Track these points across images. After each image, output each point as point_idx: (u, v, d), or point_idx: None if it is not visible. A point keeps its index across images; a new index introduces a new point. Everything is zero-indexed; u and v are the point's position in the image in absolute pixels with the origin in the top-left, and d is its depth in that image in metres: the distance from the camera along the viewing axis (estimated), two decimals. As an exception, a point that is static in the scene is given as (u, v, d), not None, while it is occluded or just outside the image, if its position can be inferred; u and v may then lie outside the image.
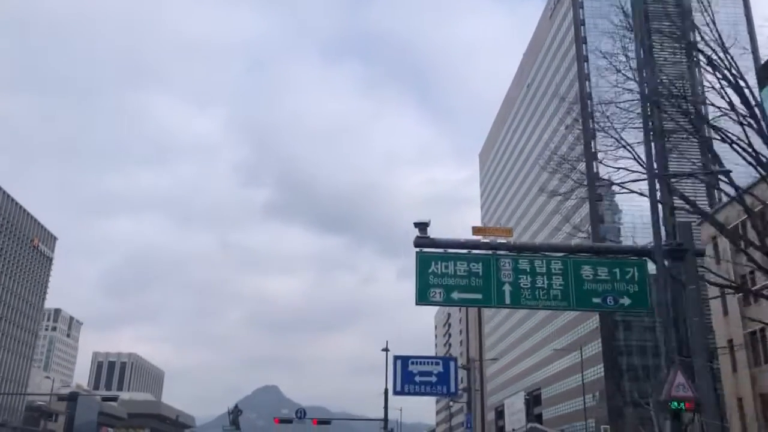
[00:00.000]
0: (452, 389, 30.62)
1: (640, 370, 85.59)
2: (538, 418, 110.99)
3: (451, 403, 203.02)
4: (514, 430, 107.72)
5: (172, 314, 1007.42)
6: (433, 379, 30.70)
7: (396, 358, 31.61)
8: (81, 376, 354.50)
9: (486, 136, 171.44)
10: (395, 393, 30.80)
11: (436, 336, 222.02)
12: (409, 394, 31.08)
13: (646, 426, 77.80)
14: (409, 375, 30.87)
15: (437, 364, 31.15)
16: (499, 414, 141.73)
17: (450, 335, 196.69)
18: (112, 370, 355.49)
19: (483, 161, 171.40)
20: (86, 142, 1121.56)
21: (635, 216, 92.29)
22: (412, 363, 31.26)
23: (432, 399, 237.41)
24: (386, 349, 46.68)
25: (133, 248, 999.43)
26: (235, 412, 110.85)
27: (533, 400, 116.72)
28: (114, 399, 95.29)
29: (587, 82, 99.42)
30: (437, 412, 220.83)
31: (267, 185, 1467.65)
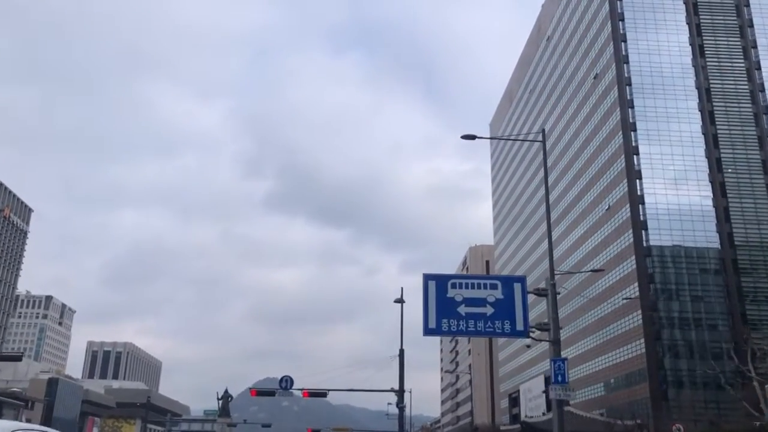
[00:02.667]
0: (519, 327, 19.08)
1: (688, 346, 74.31)
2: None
3: (456, 391, 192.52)
4: (544, 413, 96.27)
5: (174, 307, 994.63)
6: (488, 310, 19.19)
7: (428, 278, 20.13)
8: (76, 366, 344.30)
9: (497, 104, 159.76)
10: (427, 332, 19.34)
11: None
12: (449, 333, 19.54)
13: (700, 406, 66.50)
14: (448, 304, 19.35)
15: (494, 287, 19.58)
16: (514, 401, 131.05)
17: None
18: (107, 360, 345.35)
19: (494, 131, 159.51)
20: (89, 133, 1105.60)
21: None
22: (454, 286, 19.70)
23: (437, 388, 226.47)
24: (401, 300, 35.39)
25: (137, 240, 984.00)
26: (225, 399, 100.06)
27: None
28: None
29: (621, 23, 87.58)
30: (443, 402, 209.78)
31: (270, 177, 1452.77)
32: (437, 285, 19.68)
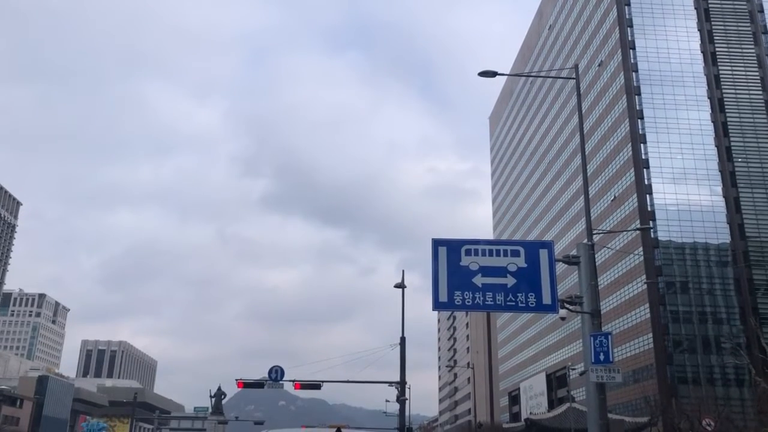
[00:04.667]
0: (546, 300, 16.19)
1: (697, 341, 71.60)
2: (562, 402, 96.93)
3: (455, 389, 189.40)
4: (548, 410, 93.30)
5: (171, 306, 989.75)
6: (509, 280, 16.29)
7: (438, 243, 17.20)
8: (70, 365, 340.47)
9: (496, 99, 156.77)
10: (438, 306, 16.51)
11: (439, 329, 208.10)
12: (463, 307, 16.54)
13: (711, 403, 63.75)
14: (462, 274, 16.42)
15: (515, 254, 16.68)
16: (514, 399, 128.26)
17: (455, 328, 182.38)
18: (101, 359, 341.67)
19: (493, 125, 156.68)
20: (86, 133, 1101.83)
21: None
22: (468, 253, 16.76)
23: (434, 387, 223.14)
24: (401, 285, 32.49)
25: (133, 240, 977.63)
26: (218, 396, 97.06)
27: (556, 381, 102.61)
28: None
29: (627, 7, 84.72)
30: (440, 401, 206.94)
31: (266, 177, 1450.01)
32: (449, 251, 16.76)
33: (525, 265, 16.37)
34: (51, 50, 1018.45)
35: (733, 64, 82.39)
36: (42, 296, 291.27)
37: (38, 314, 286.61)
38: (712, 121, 79.75)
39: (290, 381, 31.00)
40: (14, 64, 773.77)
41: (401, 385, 29.89)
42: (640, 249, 75.22)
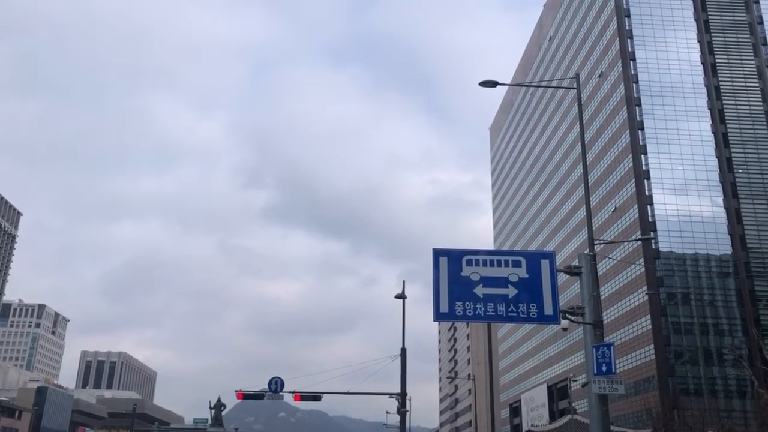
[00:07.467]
0: (548, 311, 16.04)
1: (699, 352, 71.27)
2: (563, 414, 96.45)
3: (455, 401, 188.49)
4: (549, 422, 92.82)
5: (172, 318, 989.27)
6: (511, 291, 16.18)
7: (439, 253, 17.10)
8: (70, 376, 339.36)
9: (496, 110, 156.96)
10: (439, 317, 16.37)
11: (440, 341, 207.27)
12: (464, 318, 16.43)
13: (713, 415, 63.44)
14: (463, 284, 16.31)
15: (517, 264, 16.56)
16: (515, 411, 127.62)
17: (456, 339, 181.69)
18: (101, 370, 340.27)
19: (494, 136, 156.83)
20: (89, 146, 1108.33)
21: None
22: (470, 263, 16.66)
23: (435, 399, 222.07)
24: (402, 296, 32.32)
25: (135, 252, 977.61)
26: (217, 407, 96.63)
27: (558, 392, 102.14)
28: None
29: (627, 19, 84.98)
30: (441, 412, 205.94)
31: (269, 188, 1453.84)
32: (449, 262, 16.64)
33: (526, 276, 16.26)
34: (54, 63, 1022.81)
35: (733, 76, 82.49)
36: (42, 307, 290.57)
37: (38, 325, 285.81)
38: (713, 132, 79.76)
39: (290, 392, 30.84)
40: (18, 77, 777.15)
41: (402, 396, 29.73)
42: (641, 260, 75.02)
